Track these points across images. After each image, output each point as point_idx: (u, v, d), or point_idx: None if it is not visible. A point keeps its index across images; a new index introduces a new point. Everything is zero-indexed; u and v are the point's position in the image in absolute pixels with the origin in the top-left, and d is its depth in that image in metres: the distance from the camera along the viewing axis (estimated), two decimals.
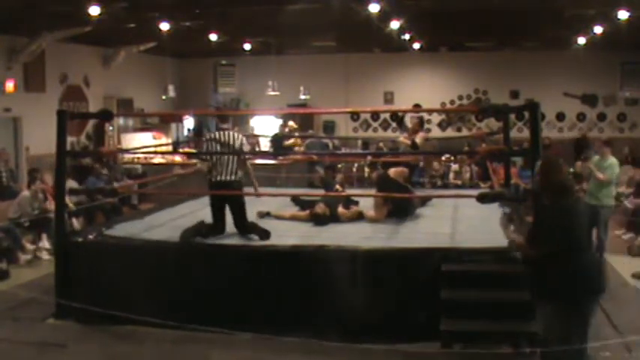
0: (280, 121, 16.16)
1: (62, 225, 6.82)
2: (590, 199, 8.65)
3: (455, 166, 13.99)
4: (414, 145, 8.35)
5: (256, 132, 16.35)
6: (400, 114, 10.74)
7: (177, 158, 14.34)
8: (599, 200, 8.47)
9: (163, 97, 16.90)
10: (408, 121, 9.81)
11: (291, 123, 14.22)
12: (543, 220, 4.20)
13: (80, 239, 6.83)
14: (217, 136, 6.74)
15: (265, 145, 14.73)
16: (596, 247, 8.58)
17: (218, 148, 6.66)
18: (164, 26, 11.16)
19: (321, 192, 8.49)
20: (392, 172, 7.74)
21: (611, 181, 8.51)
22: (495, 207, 7.67)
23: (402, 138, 9.14)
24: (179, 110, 17.42)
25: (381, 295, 5.90)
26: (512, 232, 4.42)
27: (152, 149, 13.79)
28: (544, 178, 4.34)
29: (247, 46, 15.34)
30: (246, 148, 7.13)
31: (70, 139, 11.64)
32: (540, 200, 4.35)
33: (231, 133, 6.83)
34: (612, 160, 8.51)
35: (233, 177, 6.61)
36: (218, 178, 6.59)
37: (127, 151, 13.91)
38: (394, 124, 17.70)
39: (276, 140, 12.93)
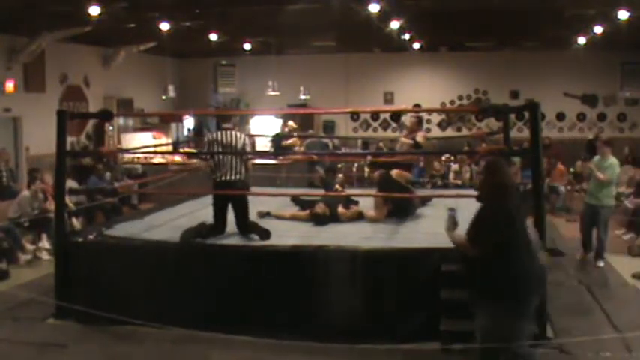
0: (281, 122, 16.15)
1: (62, 225, 6.81)
2: (590, 199, 8.67)
3: (455, 166, 13.99)
4: (416, 144, 8.34)
5: (253, 132, 16.32)
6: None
7: (177, 158, 14.34)
8: (599, 200, 8.48)
9: (163, 97, 16.90)
10: (406, 120, 9.81)
11: (290, 123, 14.21)
12: (485, 219, 4.26)
13: (80, 239, 6.82)
14: (220, 135, 6.72)
15: (264, 145, 14.72)
16: (596, 247, 8.61)
17: (221, 148, 6.66)
18: (164, 26, 11.16)
19: (321, 192, 8.49)
20: (394, 173, 7.75)
21: (612, 182, 8.52)
22: None
23: (403, 138, 9.13)
24: (179, 110, 17.42)
25: (381, 295, 5.90)
26: (457, 234, 4.45)
27: (152, 149, 13.79)
28: (487, 179, 4.42)
29: (247, 46, 15.34)
30: (249, 147, 7.11)
31: (70, 139, 11.64)
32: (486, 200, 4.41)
33: (233, 132, 6.79)
34: (612, 161, 8.52)
35: (238, 177, 6.61)
36: (223, 178, 6.59)
37: (127, 151, 13.91)
38: (394, 125, 17.80)
39: (277, 140, 12.93)
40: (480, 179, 4.56)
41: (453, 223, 4.49)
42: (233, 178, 6.60)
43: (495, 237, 4.17)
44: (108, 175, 12.28)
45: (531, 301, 4.26)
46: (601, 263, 8.49)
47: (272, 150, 12.62)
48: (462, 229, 4.44)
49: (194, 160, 12.09)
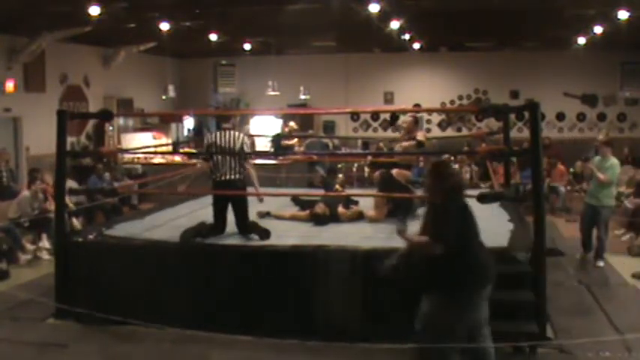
0: (282, 122, 16.18)
1: (62, 225, 6.81)
2: (590, 200, 8.66)
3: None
4: (419, 143, 8.33)
5: (252, 132, 16.33)
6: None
7: (177, 158, 14.34)
8: (599, 200, 8.46)
9: (163, 97, 16.90)
10: (402, 121, 9.80)
11: (291, 124, 14.22)
12: (444, 218, 4.42)
13: (80, 239, 6.83)
14: (219, 136, 6.75)
15: (265, 145, 14.74)
16: (596, 247, 8.60)
17: (220, 148, 6.67)
18: (164, 26, 11.16)
19: (321, 192, 8.49)
20: (394, 172, 7.75)
21: (612, 182, 8.50)
22: (495, 207, 7.67)
23: (404, 143, 9.07)
24: (179, 110, 17.41)
25: (381, 294, 5.90)
26: (413, 235, 4.68)
27: (152, 149, 13.78)
28: (437, 179, 4.56)
29: (247, 46, 15.33)
30: (248, 147, 7.13)
31: (70, 139, 11.64)
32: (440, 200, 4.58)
33: (232, 132, 6.82)
34: (613, 161, 8.49)
35: (237, 176, 6.65)
36: (222, 178, 6.62)
37: (127, 151, 13.92)
38: (392, 126, 17.79)
39: (277, 140, 12.94)
40: (427, 182, 4.72)
41: (403, 227, 4.67)
42: (232, 177, 6.62)
43: (456, 234, 4.36)
44: (107, 175, 12.26)
45: (486, 291, 4.49)
46: (601, 263, 8.48)
47: (272, 150, 12.64)
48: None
49: (193, 160, 12.09)
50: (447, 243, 4.33)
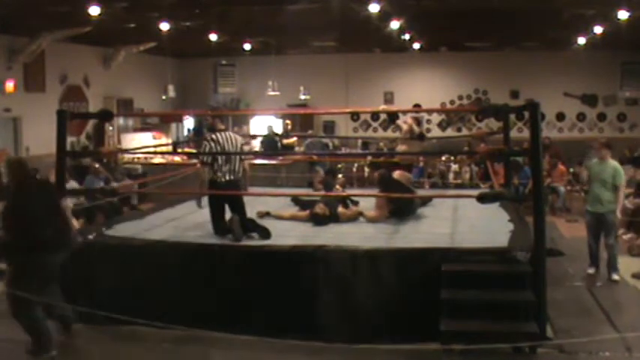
0: (270, 123, 16.17)
1: None
2: (594, 207, 7.91)
3: (455, 166, 14.01)
4: (421, 135, 8.33)
5: (252, 133, 16.36)
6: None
7: (177, 158, 14.33)
8: (605, 206, 7.79)
9: (163, 97, 16.89)
10: (402, 121, 9.84)
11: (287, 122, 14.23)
12: (12, 208, 5.25)
13: (80, 239, 6.82)
14: (221, 137, 6.80)
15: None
16: (607, 258, 8.04)
17: (225, 148, 6.73)
18: (164, 26, 11.17)
19: (321, 192, 8.49)
20: (396, 174, 7.77)
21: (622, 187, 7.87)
22: (495, 207, 7.68)
23: (417, 145, 9.06)
24: (179, 110, 17.42)
25: (381, 295, 5.90)
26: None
27: (152, 149, 13.78)
28: (10, 174, 5.34)
29: (247, 46, 15.34)
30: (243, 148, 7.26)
31: (70, 139, 11.64)
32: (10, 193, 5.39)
33: (231, 134, 6.94)
34: (615, 164, 7.91)
35: (237, 176, 6.81)
36: (227, 178, 6.69)
37: (127, 151, 13.91)
38: (393, 125, 17.80)
39: (267, 142, 12.96)
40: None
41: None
42: (233, 177, 6.73)
43: (21, 221, 5.25)
44: (101, 169, 12.18)
45: (46, 263, 5.39)
46: (616, 276, 7.70)
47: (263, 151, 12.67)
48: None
49: (194, 160, 12.07)
50: (11, 230, 5.28)
